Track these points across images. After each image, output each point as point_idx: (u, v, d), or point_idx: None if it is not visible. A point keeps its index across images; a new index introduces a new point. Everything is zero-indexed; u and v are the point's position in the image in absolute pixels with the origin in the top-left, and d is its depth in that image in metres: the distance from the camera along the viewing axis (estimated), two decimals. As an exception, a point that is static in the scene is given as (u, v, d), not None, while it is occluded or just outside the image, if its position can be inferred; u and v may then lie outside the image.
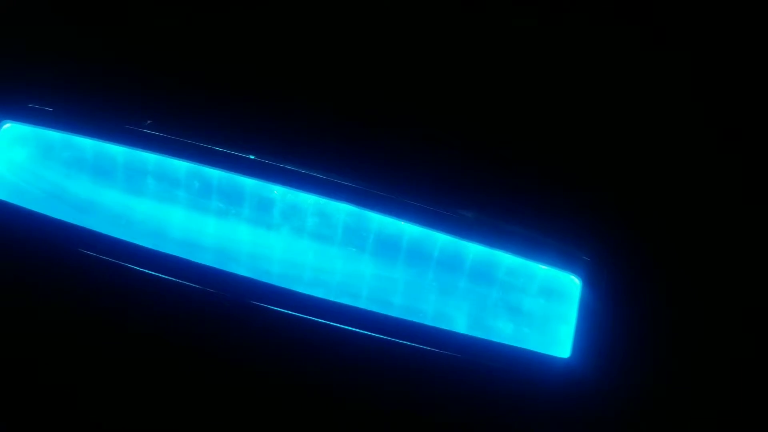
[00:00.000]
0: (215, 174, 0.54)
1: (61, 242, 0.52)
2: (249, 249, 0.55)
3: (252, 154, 0.53)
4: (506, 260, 0.53)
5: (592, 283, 0.51)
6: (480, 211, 0.51)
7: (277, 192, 0.54)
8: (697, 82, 0.56)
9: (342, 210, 0.54)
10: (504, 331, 0.52)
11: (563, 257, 0.52)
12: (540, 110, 0.54)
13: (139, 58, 0.55)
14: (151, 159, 0.55)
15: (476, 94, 0.53)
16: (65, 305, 0.53)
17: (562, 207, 0.52)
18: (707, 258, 0.52)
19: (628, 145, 0.54)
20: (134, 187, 0.55)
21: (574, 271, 0.51)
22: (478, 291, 0.53)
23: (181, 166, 0.54)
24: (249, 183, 0.54)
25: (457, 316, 0.53)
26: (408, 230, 0.53)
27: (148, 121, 0.53)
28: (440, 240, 0.53)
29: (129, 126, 0.53)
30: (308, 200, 0.54)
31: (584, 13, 0.56)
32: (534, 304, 0.52)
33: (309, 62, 0.54)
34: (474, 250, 0.53)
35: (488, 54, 0.54)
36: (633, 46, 0.56)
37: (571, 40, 0.56)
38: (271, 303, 0.54)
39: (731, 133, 0.55)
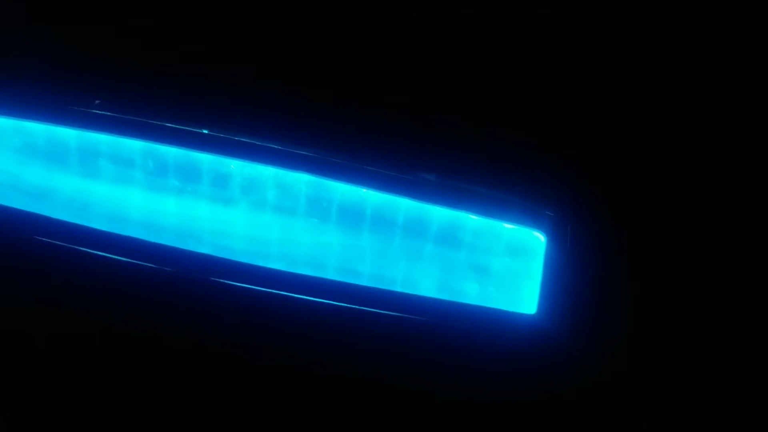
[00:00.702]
0: (170, 151, 0.53)
1: (16, 230, 0.51)
2: (210, 226, 0.54)
3: (205, 129, 0.52)
4: (471, 222, 0.52)
5: (556, 239, 0.51)
6: (441, 173, 0.50)
7: (234, 166, 0.53)
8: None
9: (302, 180, 0.53)
10: (470, 292, 0.52)
11: (527, 214, 0.51)
12: (499, 65, 0.53)
13: (84, 36, 0.53)
14: (103, 140, 0.53)
15: (431, 53, 0.52)
16: (23, 294, 0.52)
17: (525, 164, 0.51)
18: (671, 214, 0.51)
19: (593, 99, 0.53)
20: (89, 170, 0.54)
21: (538, 227, 0.51)
22: (445, 254, 0.53)
23: (134, 145, 0.53)
24: (205, 158, 0.53)
25: (424, 280, 0.53)
26: (371, 197, 0.53)
27: (96, 101, 0.52)
28: (404, 205, 0.52)
29: (76, 107, 0.52)
30: (267, 172, 0.53)
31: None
32: (500, 264, 0.52)
33: (258, 29, 0.53)
34: (438, 213, 0.52)
35: (439, 11, 0.53)
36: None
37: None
38: (235, 279, 0.53)
39: (700, 92, 0.54)
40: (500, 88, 0.52)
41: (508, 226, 0.52)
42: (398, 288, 0.53)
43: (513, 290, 0.51)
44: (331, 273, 0.54)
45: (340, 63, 0.52)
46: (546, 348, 0.48)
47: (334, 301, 0.53)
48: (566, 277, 0.50)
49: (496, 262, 0.52)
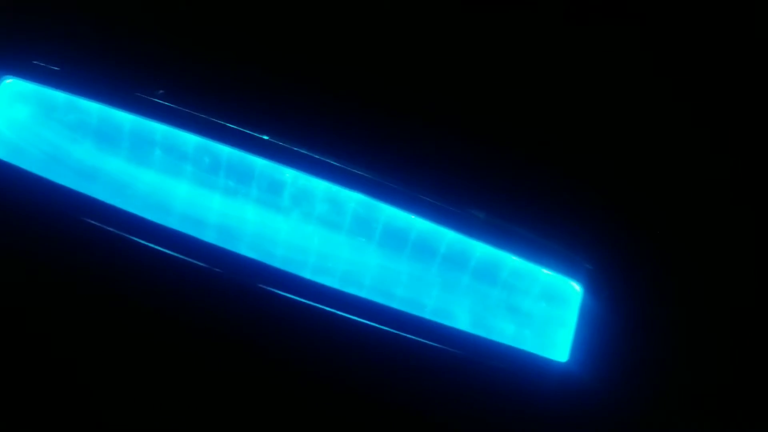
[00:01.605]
0: (226, 151, 0.53)
1: (61, 208, 0.50)
2: (254, 229, 0.54)
3: (267, 135, 0.52)
4: (511, 262, 0.53)
5: (592, 291, 0.52)
6: (490, 212, 0.52)
7: (289, 175, 0.53)
8: (703, 92, 0.57)
9: (353, 199, 0.53)
10: (505, 331, 0.53)
11: (566, 263, 0.53)
12: (557, 116, 0.54)
13: (157, 23, 0.52)
14: (159, 129, 0.53)
15: (497, 96, 0.54)
16: (62, 271, 0.51)
17: (569, 214, 0.53)
18: (707, 269, 0.53)
19: (638, 156, 0.55)
20: (140, 157, 0.54)
21: (575, 277, 0.53)
22: (481, 289, 0.54)
23: (190, 139, 0.53)
24: (260, 163, 0.53)
25: (458, 312, 0.54)
26: (417, 224, 0.53)
27: (161, 91, 0.52)
28: (448, 236, 0.53)
29: (139, 94, 0.52)
30: (320, 186, 0.53)
31: (599, 16, 0.56)
32: (535, 307, 0.53)
33: (336, 45, 0.53)
34: (480, 249, 0.53)
35: (510, 57, 0.54)
36: (637, 50, 0.56)
37: (587, 46, 0.56)
38: (273, 286, 0.53)
39: (735, 145, 0.56)
40: (558, 139, 0.54)
41: (546, 272, 0.53)
42: (430, 316, 0.54)
43: (546, 335, 0.53)
44: (366, 291, 0.55)
45: (413, 92, 0.53)
46: (575, 397, 0.49)
47: (367, 320, 0.53)
48: (600, 329, 0.51)
49: (532, 306, 0.54)
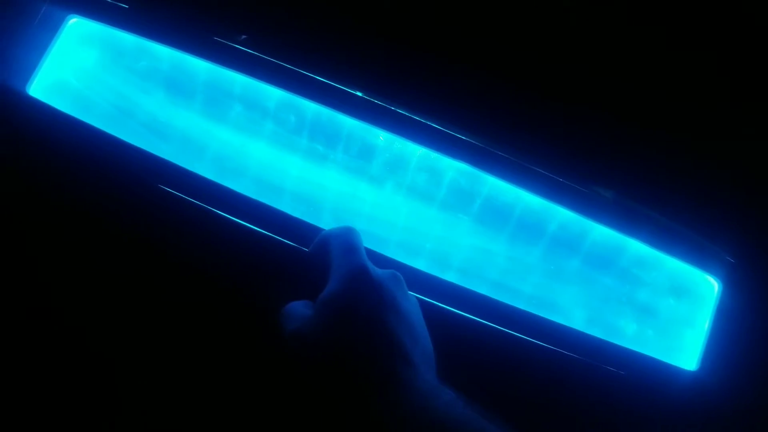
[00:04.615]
0: (312, 108, 0.46)
1: (130, 170, 0.44)
2: (335, 199, 0.48)
3: (360, 91, 0.45)
4: (636, 249, 0.46)
5: (732, 289, 0.44)
6: (620, 191, 0.44)
7: (383, 138, 0.47)
8: None
9: (453, 167, 0.46)
10: (625, 330, 0.46)
11: (704, 255, 0.45)
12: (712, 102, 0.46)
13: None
14: (239, 81, 0.47)
15: (640, 75, 0.45)
16: (131, 236, 0.46)
17: (711, 199, 0.45)
18: None
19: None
20: (215, 111, 0.48)
21: (714, 272, 0.45)
22: (602, 282, 0.46)
23: (274, 93, 0.46)
24: (350, 123, 0.46)
25: (568, 305, 0.47)
26: (529, 201, 0.46)
27: (243, 36, 0.45)
28: (564, 216, 0.46)
29: (219, 39, 0.45)
30: (415, 152, 0.47)
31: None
32: (663, 305, 0.46)
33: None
34: (601, 232, 0.46)
35: (674, 52, 0.45)
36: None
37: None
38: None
39: None
40: (708, 120, 0.45)
41: (679, 263, 0.46)
42: (543, 309, 0.47)
43: (674, 338, 0.45)
44: (454, 274, 0.48)
45: (524, 50, 0.45)
46: (705, 414, 0.42)
47: (456, 308, 0.47)
48: (738, 334, 0.44)
49: (658, 302, 0.46)
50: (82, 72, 0.47)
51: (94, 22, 0.46)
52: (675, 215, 0.45)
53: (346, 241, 0.40)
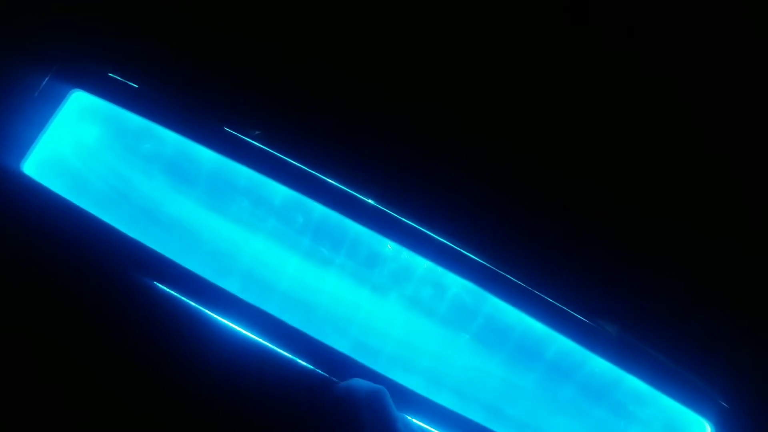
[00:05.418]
0: (319, 210, 0.45)
1: (120, 260, 0.42)
2: (330, 304, 0.46)
3: (372, 199, 0.44)
4: (632, 384, 0.46)
5: (724, 434, 0.44)
6: (623, 328, 0.44)
7: (391, 247, 0.45)
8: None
9: (457, 284, 0.45)
10: (617, 468, 0.45)
11: (698, 396, 0.45)
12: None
13: (262, 54, 0.44)
14: (245, 175, 0.45)
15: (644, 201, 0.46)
16: (113, 329, 0.43)
17: (708, 340, 0.45)
18: None
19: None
20: (218, 204, 0.45)
21: (706, 415, 0.45)
22: (594, 412, 0.46)
23: (280, 191, 0.45)
24: (357, 230, 0.45)
25: (557, 433, 0.46)
26: (538, 330, 0.46)
27: (257, 132, 0.44)
28: (563, 344, 0.46)
29: (230, 131, 0.44)
30: (421, 265, 0.45)
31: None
32: (654, 443, 0.46)
33: (474, 105, 0.45)
34: (599, 365, 0.46)
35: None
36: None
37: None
38: (336, 375, 0.44)
39: None
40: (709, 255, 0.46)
41: (674, 402, 0.45)
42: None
43: (666, 481, 0.45)
44: (446, 395, 0.47)
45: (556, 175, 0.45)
46: None
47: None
48: (730, 483, 0.44)
49: (651, 440, 0.46)
50: (82, 149, 0.44)
51: (100, 98, 0.44)
52: (675, 354, 0.45)
53: (380, 408, 0.38)
